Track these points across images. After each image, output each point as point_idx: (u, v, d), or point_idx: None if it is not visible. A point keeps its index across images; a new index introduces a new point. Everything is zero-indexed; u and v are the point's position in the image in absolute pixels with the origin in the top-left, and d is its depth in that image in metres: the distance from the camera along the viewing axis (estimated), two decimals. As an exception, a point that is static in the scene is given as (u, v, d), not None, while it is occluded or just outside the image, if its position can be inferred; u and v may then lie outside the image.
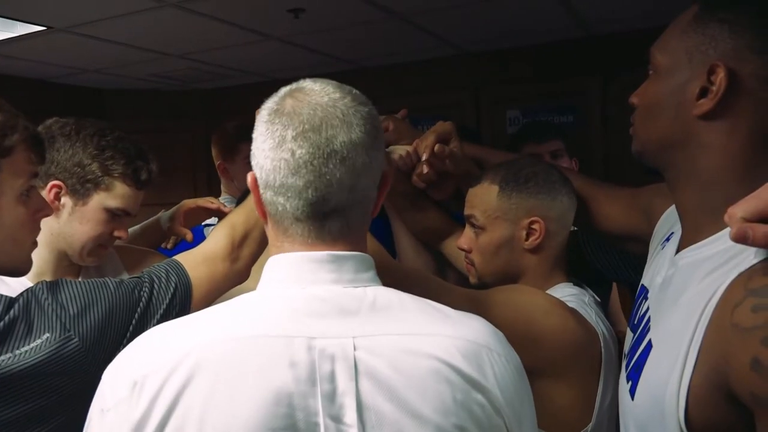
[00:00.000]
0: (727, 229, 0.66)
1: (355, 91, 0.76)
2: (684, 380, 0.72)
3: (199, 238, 1.88)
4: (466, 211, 1.22)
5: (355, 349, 0.67)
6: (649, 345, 0.83)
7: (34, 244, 0.98)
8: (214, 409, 0.63)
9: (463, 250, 1.24)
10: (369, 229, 0.88)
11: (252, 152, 0.75)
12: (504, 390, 0.71)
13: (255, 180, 0.75)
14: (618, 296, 2.03)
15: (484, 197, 1.19)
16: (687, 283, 0.80)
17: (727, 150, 0.80)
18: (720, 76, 0.78)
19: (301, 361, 0.66)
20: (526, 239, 1.17)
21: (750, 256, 0.71)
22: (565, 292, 1.17)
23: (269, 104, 0.75)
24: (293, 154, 0.70)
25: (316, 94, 0.72)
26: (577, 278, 1.25)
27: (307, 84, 0.74)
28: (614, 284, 1.88)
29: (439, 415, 0.66)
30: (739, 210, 0.63)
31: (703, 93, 0.80)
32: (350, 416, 0.65)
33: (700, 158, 0.82)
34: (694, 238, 0.84)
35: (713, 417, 0.71)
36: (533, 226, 1.16)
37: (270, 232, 0.76)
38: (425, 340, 0.69)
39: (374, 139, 0.73)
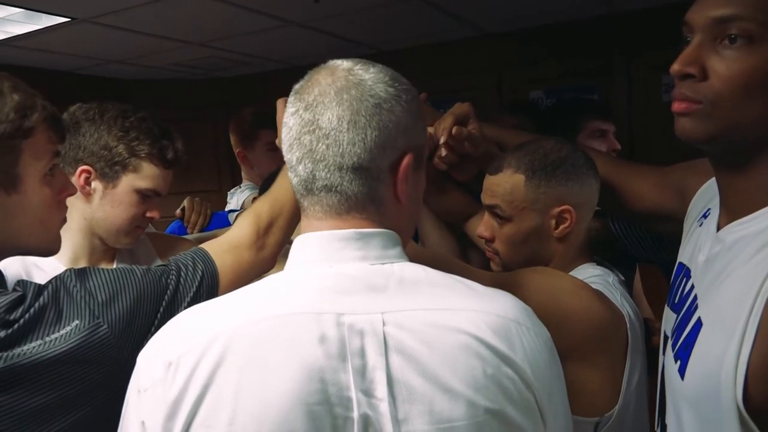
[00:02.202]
0: None
1: (380, 69, 0.75)
2: (742, 357, 0.71)
3: (224, 224, 1.90)
4: (487, 201, 1.18)
5: (384, 324, 0.68)
6: (699, 323, 0.81)
7: (63, 221, 0.99)
8: (247, 387, 0.64)
9: (483, 238, 1.22)
10: None
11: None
12: (533, 364, 0.71)
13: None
14: (641, 279, 2.00)
15: (508, 187, 1.14)
16: (737, 259, 0.78)
17: None
18: None
19: (330, 336, 0.66)
20: (556, 228, 1.14)
21: None
22: (589, 273, 1.15)
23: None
24: (290, 130, 0.75)
25: (328, 70, 0.75)
26: (602, 258, 1.23)
27: (333, 62, 0.77)
28: (637, 267, 1.85)
29: (470, 390, 0.67)
30: None
31: None
32: (381, 390, 0.66)
33: None
34: (740, 214, 0.81)
35: None
36: (564, 215, 1.12)
37: (306, 217, 0.78)
38: (454, 315, 0.70)
39: (372, 118, 0.72)
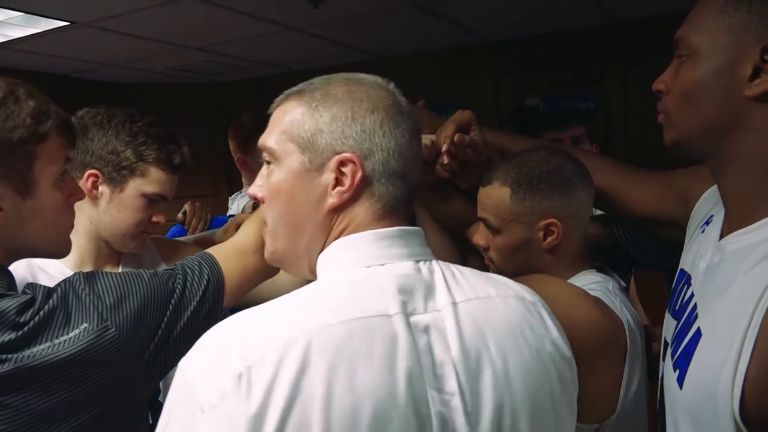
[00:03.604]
0: None
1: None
2: (740, 369, 0.72)
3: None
4: (479, 213, 1.20)
5: (443, 320, 0.70)
6: (698, 333, 0.82)
7: (71, 226, 1.00)
8: (337, 395, 0.62)
9: (480, 246, 1.24)
10: None
11: (355, 136, 0.74)
12: (564, 342, 0.78)
13: (360, 164, 0.74)
14: (635, 287, 2.03)
15: (495, 200, 1.16)
16: (737, 269, 0.79)
17: None
18: None
19: (402, 337, 0.67)
20: (544, 240, 1.15)
21: None
22: (588, 280, 1.16)
23: (359, 92, 0.76)
24: (404, 137, 0.76)
25: (379, 85, 0.79)
26: (601, 262, 1.24)
27: (365, 76, 0.79)
28: (632, 274, 1.87)
29: (525, 372, 0.72)
30: None
31: (756, 73, 0.78)
32: (451, 385, 0.68)
33: (751, 141, 0.80)
34: (741, 223, 0.83)
35: None
36: (551, 228, 1.14)
37: (358, 215, 0.75)
38: (497, 302, 0.75)
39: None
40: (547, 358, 0.75)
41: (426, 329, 0.69)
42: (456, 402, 0.68)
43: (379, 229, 0.74)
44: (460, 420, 0.68)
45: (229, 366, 0.63)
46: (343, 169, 0.73)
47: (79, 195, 1.00)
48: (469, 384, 0.69)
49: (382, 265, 0.73)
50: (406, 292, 0.71)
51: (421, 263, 0.74)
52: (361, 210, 0.75)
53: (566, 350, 0.77)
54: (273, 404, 0.61)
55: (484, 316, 0.73)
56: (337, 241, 0.75)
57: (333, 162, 0.74)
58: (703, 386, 0.77)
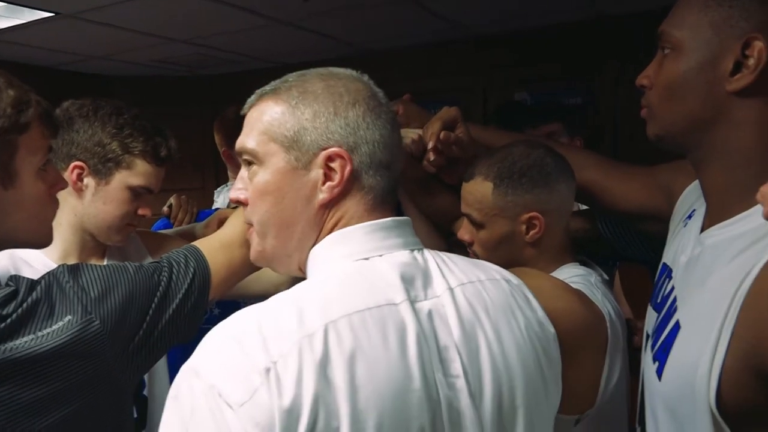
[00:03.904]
0: (757, 207, 0.66)
1: None
2: (716, 361, 0.73)
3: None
4: (463, 209, 1.22)
5: (443, 305, 0.73)
6: (677, 325, 0.83)
7: (53, 216, 0.99)
8: (360, 383, 0.64)
9: (464, 241, 1.25)
10: None
11: (340, 131, 0.75)
12: (549, 321, 0.82)
13: (348, 158, 0.74)
14: (620, 281, 2.04)
15: (478, 195, 1.18)
16: (715, 263, 0.80)
17: (761, 126, 0.79)
18: (758, 49, 0.77)
19: (410, 324, 0.69)
20: (527, 233, 1.16)
21: None
22: (571, 273, 1.17)
23: (346, 85, 0.77)
24: (382, 128, 0.77)
25: (357, 79, 0.80)
26: (585, 255, 1.25)
27: (339, 69, 0.80)
28: (617, 268, 1.89)
29: (519, 350, 0.75)
30: None
31: (737, 68, 0.79)
32: (456, 368, 0.71)
33: (732, 136, 0.81)
34: (720, 217, 0.84)
35: (746, 399, 0.71)
36: (533, 222, 1.15)
37: (350, 208, 0.76)
38: (486, 285, 0.78)
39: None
40: (535, 336, 0.78)
41: (429, 315, 0.71)
42: (461, 383, 0.70)
43: (373, 221, 0.75)
44: (465, 401, 0.70)
45: (254, 362, 0.62)
46: (332, 165, 0.74)
47: (61, 184, 0.99)
48: (471, 365, 0.71)
49: (381, 255, 0.74)
50: (407, 281, 0.72)
51: (415, 252, 0.76)
52: (353, 203, 0.76)
53: (550, 328, 0.81)
54: (305, 396, 0.61)
55: (478, 298, 0.75)
56: (330, 235, 0.76)
57: (320, 158, 0.74)
58: (681, 378, 0.78)
